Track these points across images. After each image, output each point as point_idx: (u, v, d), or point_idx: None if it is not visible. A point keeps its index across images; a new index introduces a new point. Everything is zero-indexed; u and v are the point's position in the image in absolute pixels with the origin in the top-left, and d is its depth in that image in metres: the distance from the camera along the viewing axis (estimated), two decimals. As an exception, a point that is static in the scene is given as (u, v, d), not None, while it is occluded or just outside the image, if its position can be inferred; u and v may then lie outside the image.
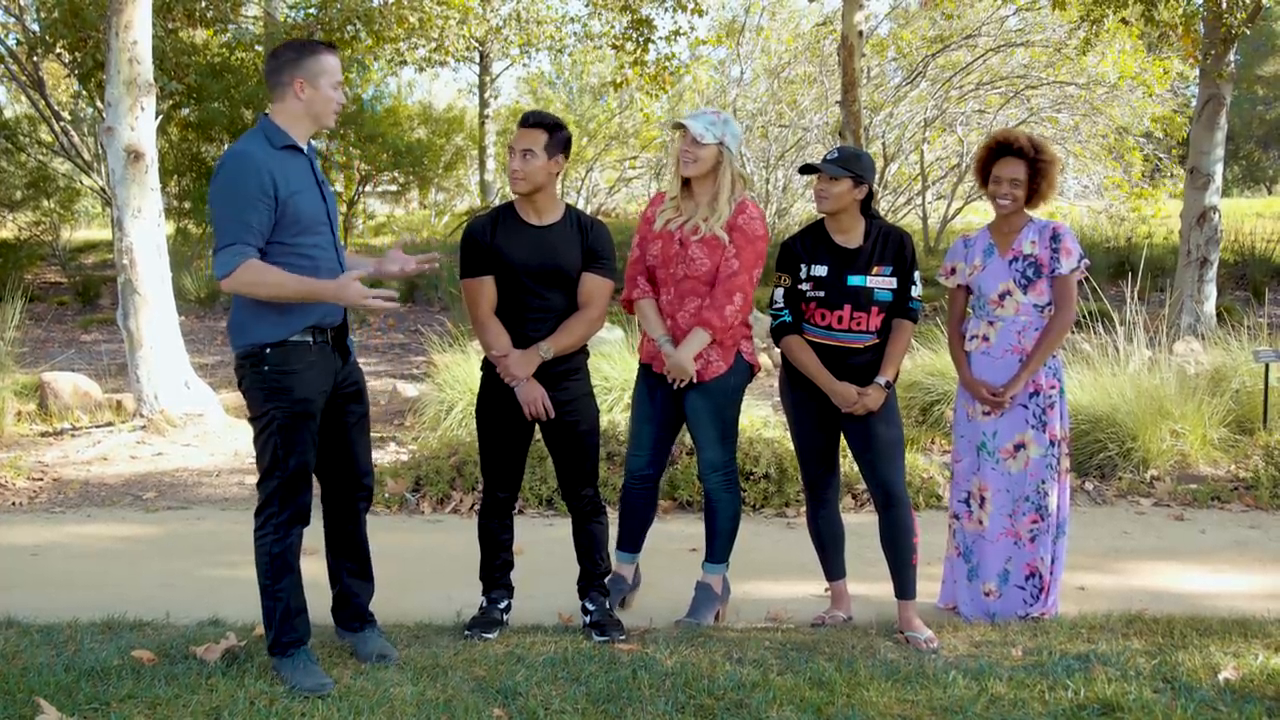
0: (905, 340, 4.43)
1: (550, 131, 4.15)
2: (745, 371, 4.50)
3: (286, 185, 3.63)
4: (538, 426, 4.32)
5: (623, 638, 4.24)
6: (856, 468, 5.88)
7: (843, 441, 4.59)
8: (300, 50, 3.76)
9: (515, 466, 4.38)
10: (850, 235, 4.40)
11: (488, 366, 4.32)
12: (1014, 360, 4.57)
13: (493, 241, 4.20)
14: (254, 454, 7.80)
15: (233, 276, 3.57)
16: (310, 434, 3.76)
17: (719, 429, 4.46)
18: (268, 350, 3.69)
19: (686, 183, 4.41)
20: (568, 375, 4.27)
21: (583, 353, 4.36)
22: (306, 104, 3.74)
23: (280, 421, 3.71)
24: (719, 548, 4.58)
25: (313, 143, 3.90)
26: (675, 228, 4.41)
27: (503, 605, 4.42)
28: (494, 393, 4.28)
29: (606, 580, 4.51)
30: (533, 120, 4.17)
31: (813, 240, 4.45)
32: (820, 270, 4.37)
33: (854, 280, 4.33)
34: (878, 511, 4.49)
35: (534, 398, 4.17)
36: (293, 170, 3.70)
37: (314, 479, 3.88)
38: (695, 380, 4.38)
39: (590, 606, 4.40)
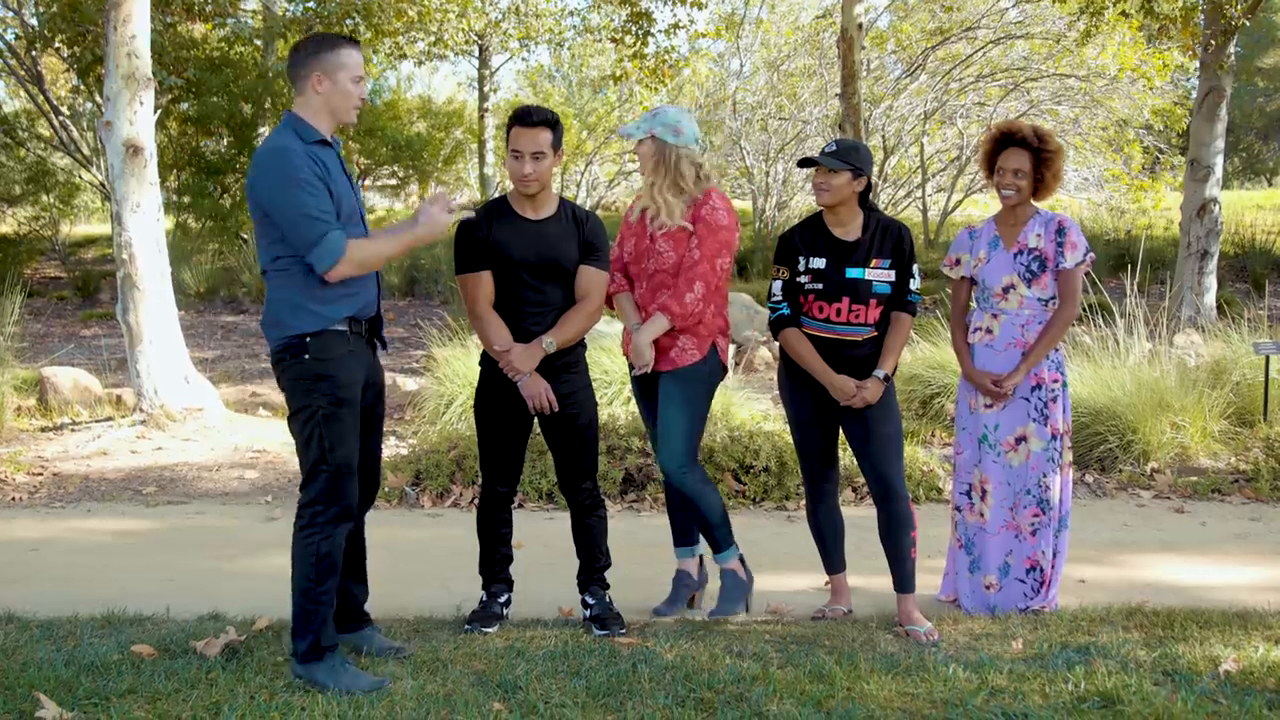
0: (904, 333, 4.42)
1: (554, 129, 4.14)
2: (718, 366, 4.45)
3: (329, 176, 3.61)
4: (536, 420, 4.32)
5: (623, 631, 4.24)
6: (855, 461, 5.91)
7: (842, 435, 4.58)
8: (320, 44, 3.72)
9: (514, 461, 4.38)
10: (849, 228, 4.39)
11: (486, 361, 4.31)
12: (1017, 354, 4.56)
13: (489, 236, 4.18)
14: (253, 449, 7.81)
15: (343, 262, 3.56)
16: (354, 425, 3.70)
17: (688, 416, 4.36)
18: (308, 339, 3.63)
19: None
20: (567, 368, 4.26)
21: (581, 345, 4.35)
22: (325, 98, 3.69)
23: (324, 412, 3.63)
24: (720, 536, 4.48)
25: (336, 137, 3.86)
26: (648, 219, 4.40)
27: (503, 599, 4.42)
28: (493, 387, 4.28)
29: (673, 578, 4.57)
30: (537, 119, 4.11)
31: (811, 233, 4.44)
32: (819, 263, 4.36)
33: (852, 273, 4.32)
34: (876, 505, 4.48)
35: (538, 392, 4.16)
36: (331, 163, 3.68)
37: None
38: (657, 366, 4.35)
39: (590, 600, 4.39)
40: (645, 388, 4.53)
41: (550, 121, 4.13)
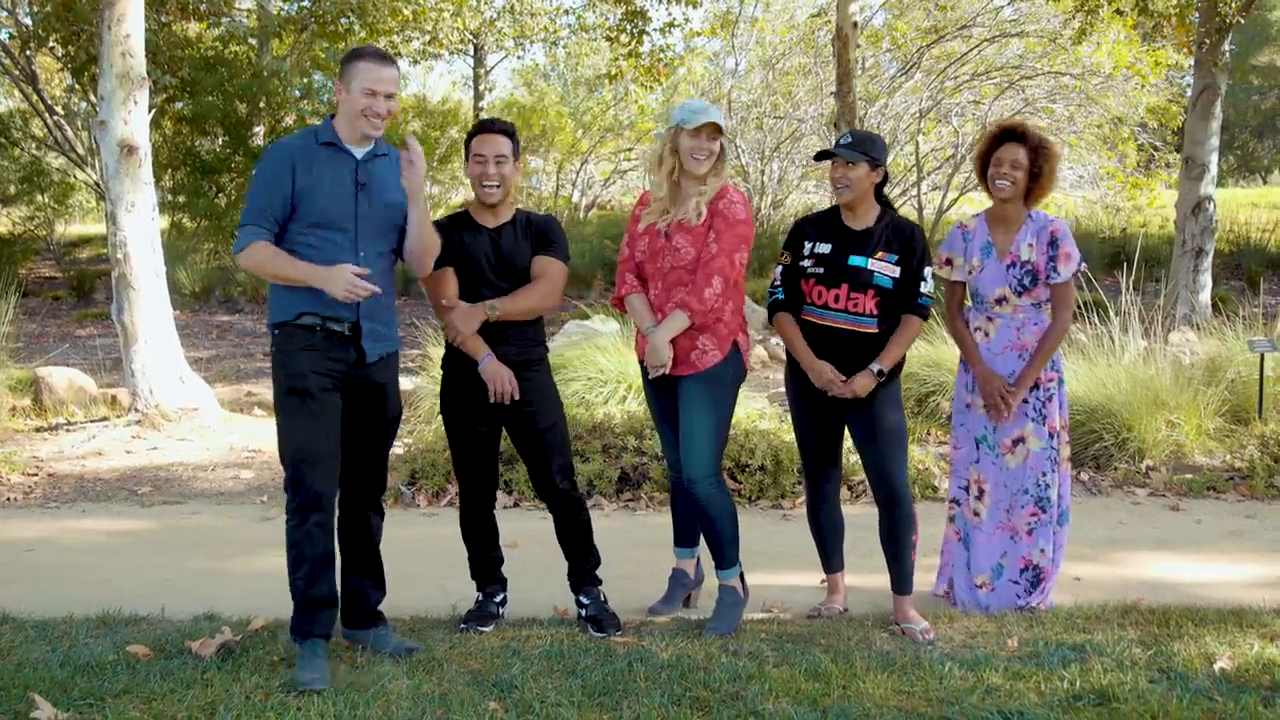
0: (910, 334, 4.36)
1: (513, 137, 4.25)
2: (740, 366, 4.39)
3: (307, 175, 3.78)
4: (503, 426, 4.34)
5: (619, 632, 4.23)
6: (854, 460, 5.89)
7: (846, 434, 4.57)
8: (348, 56, 3.95)
9: (487, 462, 4.37)
10: (862, 220, 4.37)
11: (448, 363, 4.33)
12: (1013, 355, 4.53)
13: (450, 238, 4.24)
14: (249, 448, 7.81)
15: (242, 255, 3.81)
16: (307, 416, 3.79)
17: (714, 420, 4.29)
18: (276, 331, 3.88)
19: (676, 182, 4.34)
20: (527, 366, 4.27)
21: (540, 347, 4.37)
22: (343, 106, 3.88)
23: (280, 401, 3.84)
24: (729, 553, 4.41)
25: (389, 148, 4.01)
26: (662, 225, 4.34)
27: (498, 599, 4.42)
28: (456, 388, 4.29)
29: (669, 576, 4.60)
30: (498, 127, 4.25)
31: (823, 222, 4.44)
32: (824, 248, 4.34)
33: (855, 260, 4.28)
34: (878, 506, 4.45)
35: (498, 375, 4.15)
36: (324, 165, 3.83)
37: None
38: (677, 370, 4.28)
39: (585, 600, 4.39)
40: (661, 391, 4.45)
41: (509, 131, 4.26)
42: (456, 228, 4.29)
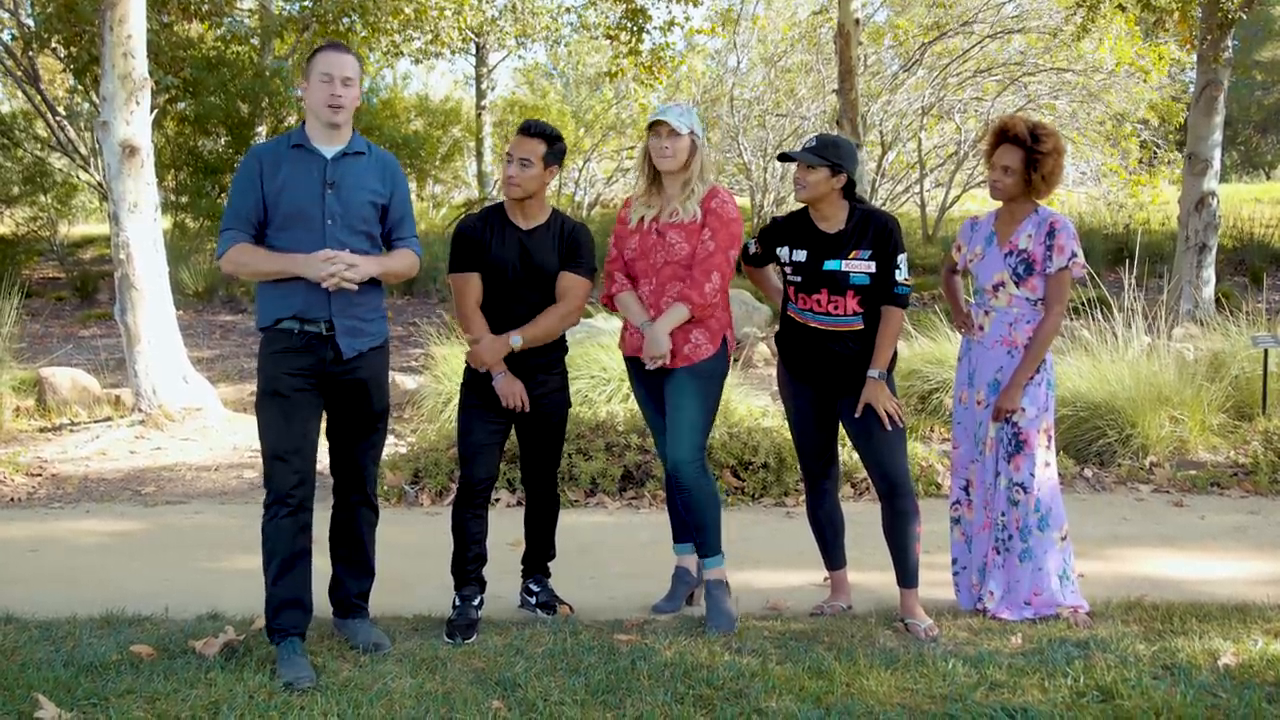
0: (894, 327, 4.31)
1: (549, 143, 4.27)
2: (726, 361, 4.47)
3: (274, 179, 3.85)
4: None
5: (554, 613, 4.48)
6: (855, 456, 5.88)
7: (842, 430, 4.56)
8: (311, 53, 4.00)
9: (493, 453, 4.39)
10: (832, 222, 4.37)
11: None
12: (1003, 352, 4.51)
13: (480, 240, 4.32)
14: (252, 448, 7.84)
15: (223, 260, 3.91)
16: (279, 415, 3.87)
17: (702, 411, 4.36)
18: (263, 334, 3.97)
19: (656, 177, 4.41)
20: (545, 369, 4.37)
21: (560, 349, 4.45)
22: (308, 102, 3.93)
23: (257, 400, 3.96)
24: (713, 539, 4.44)
25: (368, 145, 4.04)
26: (650, 220, 4.41)
27: (476, 602, 4.35)
28: (478, 380, 4.35)
29: (672, 574, 4.67)
30: (534, 130, 4.28)
31: (795, 225, 4.44)
32: (800, 255, 4.37)
33: (829, 265, 4.29)
34: (880, 500, 4.44)
35: (512, 391, 4.27)
36: (291, 167, 3.89)
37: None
38: (672, 362, 4.32)
39: (535, 588, 4.59)
40: (649, 381, 4.49)
41: (547, 136, 4.28)
42: (485, 228, 4.35)
